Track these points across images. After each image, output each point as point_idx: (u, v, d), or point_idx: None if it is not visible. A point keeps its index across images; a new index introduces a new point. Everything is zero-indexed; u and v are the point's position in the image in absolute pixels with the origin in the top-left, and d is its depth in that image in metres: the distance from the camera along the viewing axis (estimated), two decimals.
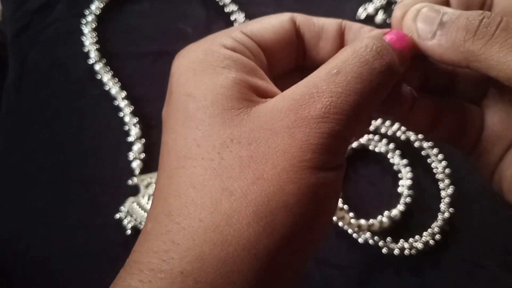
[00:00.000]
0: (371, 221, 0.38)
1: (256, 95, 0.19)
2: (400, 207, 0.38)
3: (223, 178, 0.17)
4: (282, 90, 0.19)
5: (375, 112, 0.23)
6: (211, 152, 0.17)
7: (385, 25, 0.48)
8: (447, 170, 0.40)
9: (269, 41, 0.21)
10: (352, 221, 0.37)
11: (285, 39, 0.22)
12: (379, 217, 0.38)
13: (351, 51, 0.19)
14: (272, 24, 0.22)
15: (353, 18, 0.48)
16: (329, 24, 0.23)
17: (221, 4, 0.46)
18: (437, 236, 0.38)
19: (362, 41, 0.19)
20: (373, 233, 0.37)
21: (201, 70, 0.19)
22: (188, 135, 0.18)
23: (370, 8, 0.48)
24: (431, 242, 0.38)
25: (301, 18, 0.23)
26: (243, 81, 0.18)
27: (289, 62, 0.23)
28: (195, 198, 0.17)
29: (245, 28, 0.21)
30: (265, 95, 0.19)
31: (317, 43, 0.23)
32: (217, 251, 0.16)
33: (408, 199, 0.39)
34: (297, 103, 0.17)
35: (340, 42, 0.23)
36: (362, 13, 0.48)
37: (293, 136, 0.17)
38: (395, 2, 0.50)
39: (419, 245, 0.37)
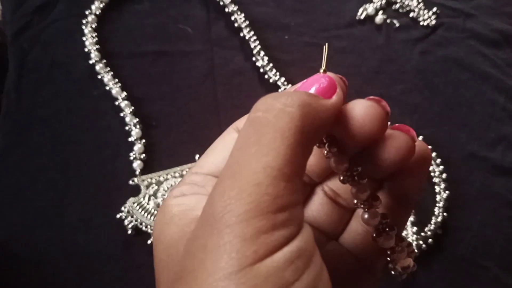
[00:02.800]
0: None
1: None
2: None
3: None
4: None
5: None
6: None
7: (385, 25, 0.48)
8: (444, 175, 0.41)
9: (216, 163, 0.21)
10: None
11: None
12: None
13: (248, 117, 0.17)
14: (216, 147, 0.21)
15: (353, 18, 0.48)
16: None
17: (221, 4, 0.46)
18: (430, 240, 0.38)
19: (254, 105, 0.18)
20: None
21: (157, 230, 0.19)
22: None
23: (370, 8, 0.48)
24: (424, 246, 0.38)
25: (241, 124, 0.21)
26: (186, 219, 0.18)
27: None
28: None
29: (195, 168, 0.21)
30: None
31: None
32: None
33: None
34: (203, 211, 0.16)
35: None
36: (362, 13, 0.48)
37: (206, 249, 0.15)
38: (395, 3, 0.50)
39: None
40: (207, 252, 0.15)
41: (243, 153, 0.16)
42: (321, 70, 0.19)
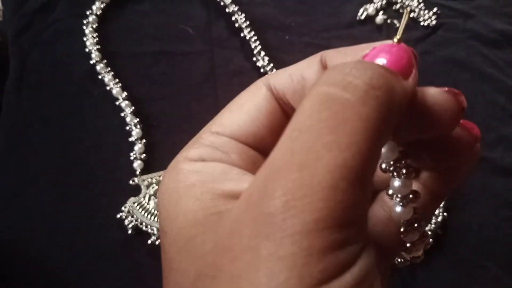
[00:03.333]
0: None
1: (231, 199, 0.15)
2: None
3: None
4: None
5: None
6: None
7: (385, 25, 0.48)
8: None
9: (243, 125, 0.18)
10: None
11: (263, 114, 0.18)
12: None
13: (309, 94, 0.14)
14: (242, 104, 0.18)
15: (354, 18, 0.48)
16: (307, 67, 0.18)
17: (221, 4, 0.46)
18: (430, 240, 0.38)
19: (323, 74, 0.14)
20: None
21: (168, 198, 0.16)
22: (169, 279, 0.15)
23: (370, 8, 0.48)
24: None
25: (274, 78, 0.18)
26: (210, 193, 0.15)
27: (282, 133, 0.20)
28: None
29: (214, 125, 0.18)
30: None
31: (303, 96, 0.18)
32: None
33: None
34: (251, 201, 0.13)
35: None
36: (362, 13, 0.48)
37: (257, 255, 0.12)
38: (396, 3, 0.50)
39: None
40: (259, 261, 0.12)
41: (312, 140, 0.12)
42: (395, 39, 0.15)
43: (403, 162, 0.16)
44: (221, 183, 0.16)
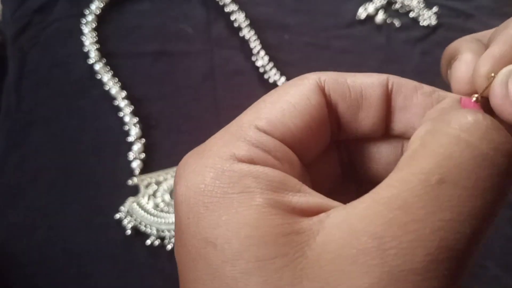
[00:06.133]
0: None
1: (297, 215, 0.13)
2: None
3: None
4: (316, 174, 0.14)
5: None
6: None
7: (385, 25, 0.48)
8: None
9: (294, 130, 0.15)
10: None
11: (315, 121, 0.16)
12: None
13: (457, 138, 0.13)
14: (295, 104, 0.15)
15: (353, 18, 0.48)
16: (370, 87, 0.17)
17: (221, 4, 0.46)
18: None
19: (461, 117, 0.13)
20: None
21: (215, 202, 0.13)
22: None
23: (370, 8, 0.48)
24: None
25: (330, 83, 0.16)
26: (275, 205, 0.13)
27: (322, 143, 0.17)
28: None
29: (261, 121, 0.15)
30: (308, 212, 0.13)
31: (356, 114, 0.17)
32: None
33: None
34: (376, 247, 0.11)
35: (387, 108, 0.17)
36: (362, 13, 0.48)
37: None
38: (395, 2, 0.50)
39: None
40: None
41: (464, 199, 0.12)
42: (474, 98, 0.16)
43: None
44: (284, 195, 0.13)
